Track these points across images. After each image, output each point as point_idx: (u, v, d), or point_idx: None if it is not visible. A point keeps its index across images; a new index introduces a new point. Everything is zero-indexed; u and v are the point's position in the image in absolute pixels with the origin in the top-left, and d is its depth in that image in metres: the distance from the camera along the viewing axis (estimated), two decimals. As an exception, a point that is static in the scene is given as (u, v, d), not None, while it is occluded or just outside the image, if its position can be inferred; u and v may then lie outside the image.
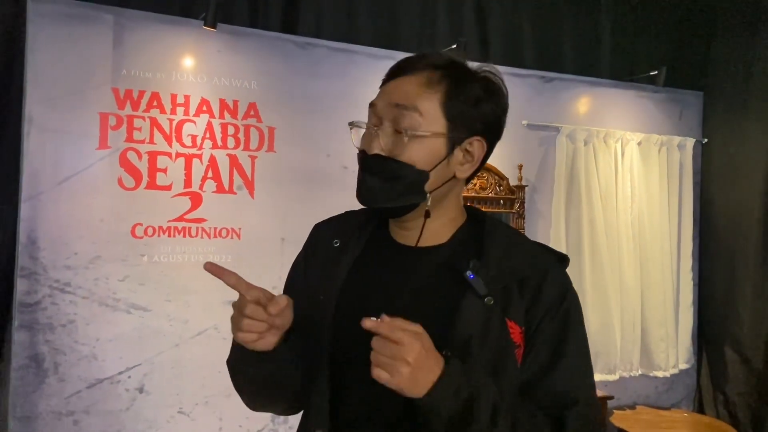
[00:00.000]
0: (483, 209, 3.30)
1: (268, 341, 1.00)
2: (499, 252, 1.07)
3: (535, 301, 1.04)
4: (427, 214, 1.09)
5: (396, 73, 1.08)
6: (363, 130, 1.10)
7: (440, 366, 0.93)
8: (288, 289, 1.22)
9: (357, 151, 1.11)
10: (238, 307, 0.98)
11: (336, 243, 1.16)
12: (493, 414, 0.94)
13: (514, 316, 1.03)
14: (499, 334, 1.02)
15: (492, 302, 1.02)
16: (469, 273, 1.03)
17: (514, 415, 0.97)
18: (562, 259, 1.13)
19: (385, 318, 0.91)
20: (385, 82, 1.10)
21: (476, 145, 1.10)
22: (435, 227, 1.11)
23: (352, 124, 1.12)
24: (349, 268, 1.13)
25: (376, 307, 1.04)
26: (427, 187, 1.06)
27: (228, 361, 1.13)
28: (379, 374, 0.90)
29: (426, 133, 1.04)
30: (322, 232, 1.22)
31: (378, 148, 1.05)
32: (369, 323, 0.90)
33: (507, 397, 1.00)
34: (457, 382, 0.93)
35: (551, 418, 1.02)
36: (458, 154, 1.08)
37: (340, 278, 1.11)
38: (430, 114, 1.04)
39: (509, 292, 1.04)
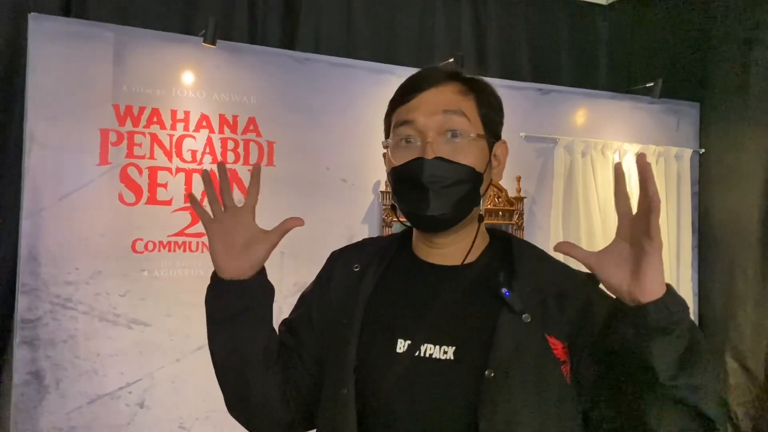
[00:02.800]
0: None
1: (236, 262, 1.05)
2: (531, 268, 1.05)
3: (586, 315, 1.00)
4: (481, 218, 1.09)
5: (421, 86, 1.06)
6: (400, 149, 1.06)
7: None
8: (304, 317, 1.16)
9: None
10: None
11: (356, 267, 1.12)
12: (704, 353, 0.88)
13: (554, 332, 1.00)
14: (540, 351, 0.98)
15: (529, 319, 0.99)
16: (504, 290, 1.00)
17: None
18: (594, 280, 1.08)
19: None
20: (406, 98, 1.07)
21: (502, 148, 1.12)
22: (463, 246, 1.09)
23: (386, 144, 1.09)
24: (371, 290, 1.08)
25: (404, 328, 1.02)
26: (481, 190, 1.07)
27: (207, 316, 1.10)
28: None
29: (474, 134, 1.05)
30: (340, 258, 1.18)
31: (436, 154, 1.02)
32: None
33: (552, 413, 0.97)
34: (681, 301, 0.87)
35: None
36: (492, 158, 1.10)
37: (363, 300, 1.07)
38: (473, 118, 1.06)
39: (547, 307, 1.01)
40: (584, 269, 1.01)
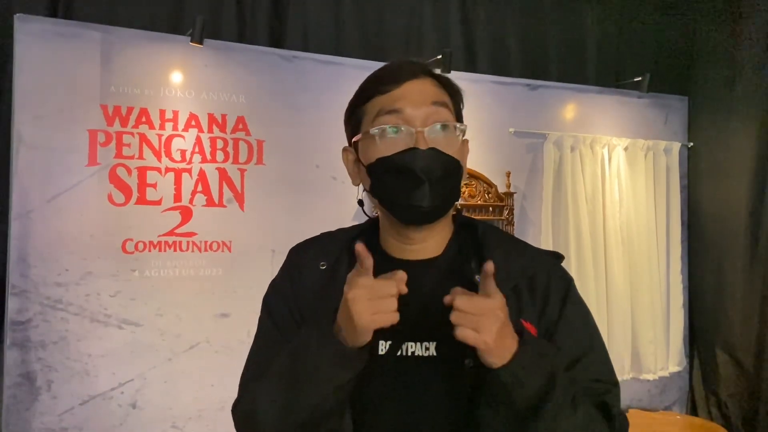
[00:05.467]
0: (472, 217, 3.32)
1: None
2: (500, 254, 1.04)
3: (547, 302, 1.03)
4: (459, 212, 1.10)
5: (401, 77, 1.03)
6: (386, 138, 1.01)
7: (516, 339, 0.89)
8: (277, 315, 1.11)
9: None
10: (379, 286, 0.89)
11: (322, 265, 1.08)
12: (563, 392, 0.90)
13: (528, 316, 1.02)
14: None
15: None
16: (477, 277, 0.98)
17: (575, 397, 0.94)
18: (558, 257, 1.13)
19: (458, 289, 0.89)
20: (386, 88, 1.03)
21: (467, 146, 1.10)
22: (435, 240, 1.08)
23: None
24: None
25: (382, 329, 0.97)
26: (461, 184, 1.07)
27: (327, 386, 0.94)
28: (465, 333, 0.86)
29: (460, 129, 1.04)
30: (303, 255, 1.13)
31: (429, 145, 0.99)
32: (449, 298, 0.88)
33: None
34: (537, 353, 0.89)
35: (595, 401, 1.00)
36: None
37: (339, 300, 1.00)
38: (452, 112, 1.05)
39: (519, 292, 1.03)
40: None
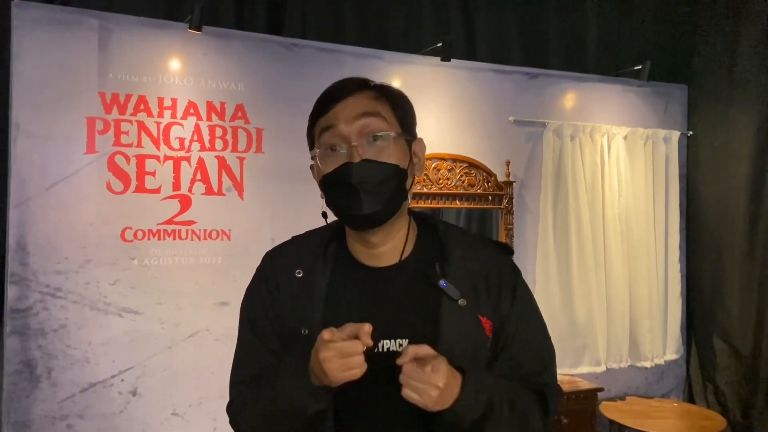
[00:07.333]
0: (472, 206, 3.32)
1: None
2: (460, 253, 1.15)
3: (501, 296, 1.15)
4: (410, 212, 1.17)
5: (337, 96, 1.12)
6: (327, 157, 1.10)
7: (459, 381, 1.01)
8: (255, 324, 1.19)
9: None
10: (346, 347, 0.98)
11: (298, 273, 1.16)
12: (501, 407, 1.05)
13: (485, 311, 1.13)
14: (475, 332, 1.10)
15: (465, 303, 1.11)
16: (442, 282, 1.10)
17: (512, 399, 1.08)
18: (509, 252, 1.24)
19: (410, 348, 0.99)
20: (325, 108, 1.12)
21: (420, 145, 1.18)
22: (397, 242, 1.16)
23: (315, 158, 1.13)
24: (324, 298, 1.12)
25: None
26: (407, 185, 1.13)
27: (297, 413, 1.07)
28: (409, 394, 0.98)
29: (393, 134, 1.11)
30: (279, 262, 1.21)
31: (362, 157, 1.07)
32: (401, 361, 0.99)
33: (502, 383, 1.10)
34: (475, 391, 1.02)
35: (533, 390, 1.15)
36: (412, 155, 1.16)
37: (319, 309, 1.11)
38: (389, 119, 1.11)
39: (477, 289, 1.13)
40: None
